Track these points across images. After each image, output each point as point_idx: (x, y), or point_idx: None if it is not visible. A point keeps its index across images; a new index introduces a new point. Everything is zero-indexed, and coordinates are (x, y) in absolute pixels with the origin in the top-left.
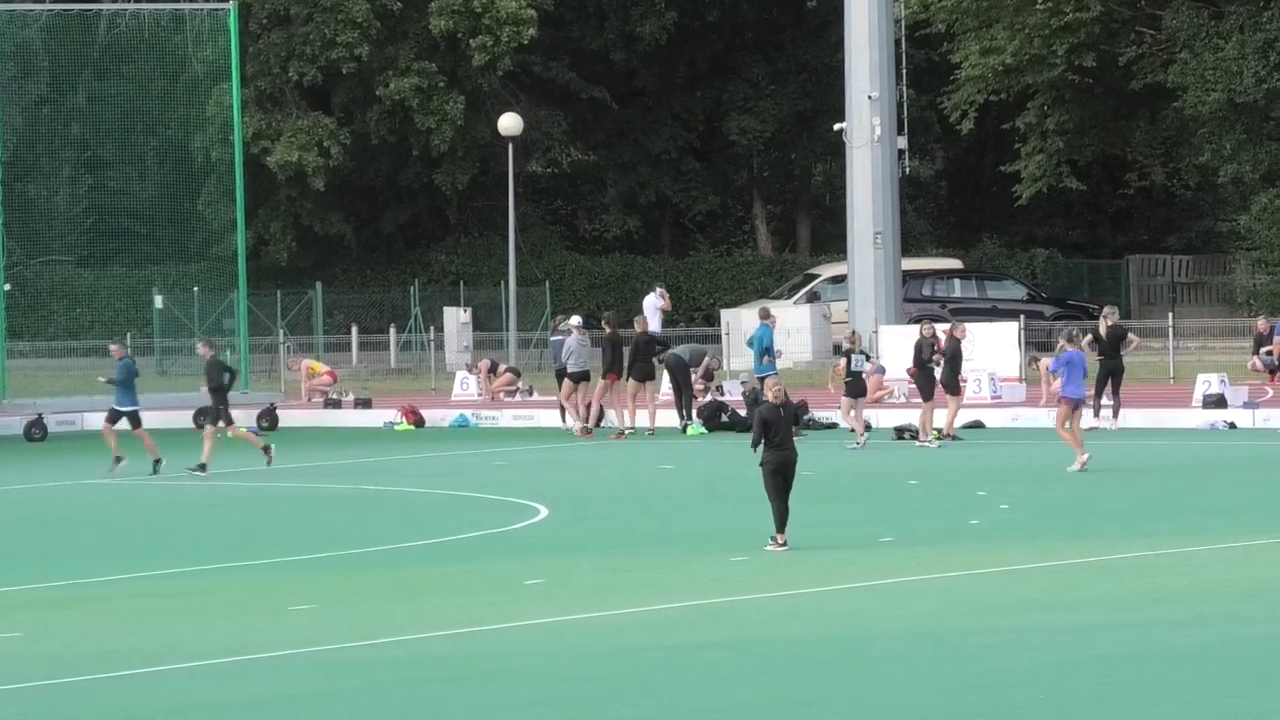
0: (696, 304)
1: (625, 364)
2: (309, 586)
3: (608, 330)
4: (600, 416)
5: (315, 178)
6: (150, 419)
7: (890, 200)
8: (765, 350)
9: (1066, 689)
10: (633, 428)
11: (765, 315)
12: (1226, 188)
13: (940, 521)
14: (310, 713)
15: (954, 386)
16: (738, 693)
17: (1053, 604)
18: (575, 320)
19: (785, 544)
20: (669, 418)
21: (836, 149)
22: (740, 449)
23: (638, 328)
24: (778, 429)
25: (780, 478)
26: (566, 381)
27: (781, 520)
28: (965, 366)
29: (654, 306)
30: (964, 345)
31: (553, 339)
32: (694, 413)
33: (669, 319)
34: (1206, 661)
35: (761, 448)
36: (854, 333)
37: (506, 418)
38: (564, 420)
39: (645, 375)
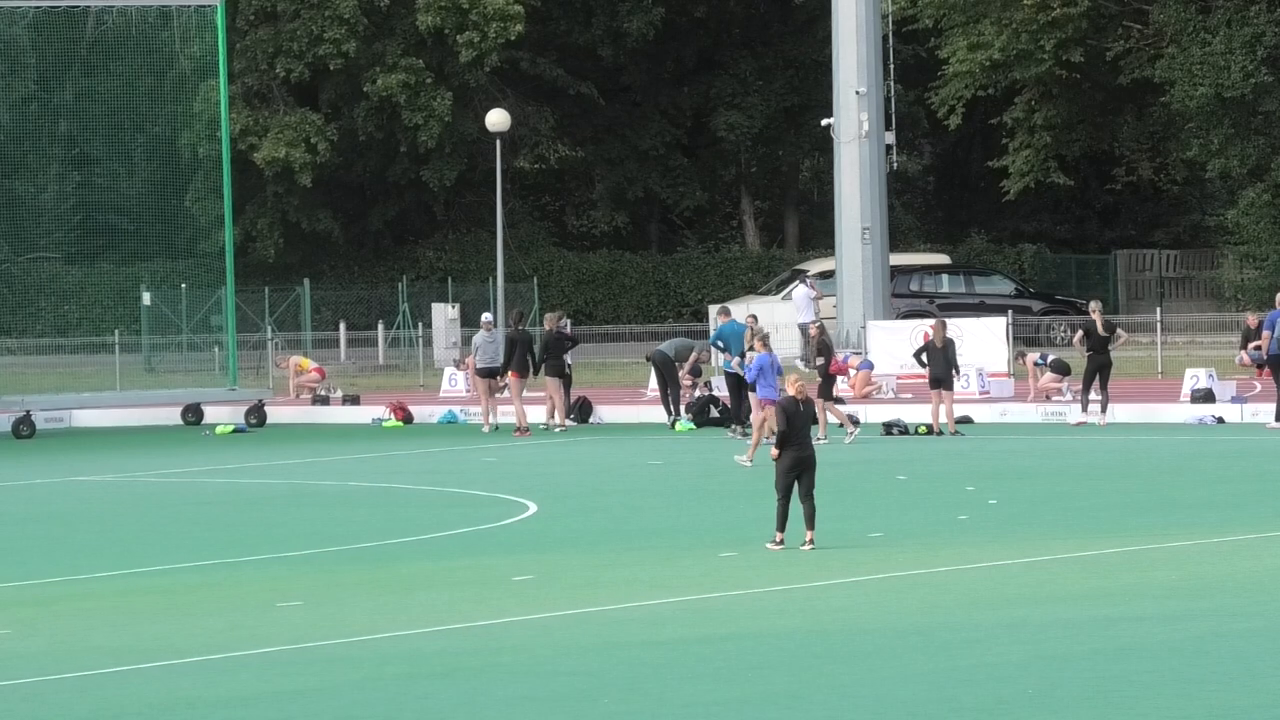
0: (684, 300)
1: (533, 361)
2: (297, 583)
3: (510, 328)
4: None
5: (302, 174)
6: (138, 416)
7: (878, 196)
8: (725, 349)
9: (1055, 683)
10: (547, 425)
11: (724, 314)
12: (1214, 182)
13: (928, 517)
14: (299, 709)
15: (948, 381)
16: (726, 688)
17: (1041, 599)
18: (486, 317)
19: (783, 543)
20: (644, 414)
21: (824, 144)
22: (731, 443)
23: (547, 325)
24: (797, 425)
25: (794, 476)
26: (478, 379)
27: (784, 519)
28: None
29: (806, 298)
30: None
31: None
32: (682, 408)
33: (663, 315)
34: (1196, 656)
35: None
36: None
37: (497, 414)
38: (486, 420)
39: (554, 372)
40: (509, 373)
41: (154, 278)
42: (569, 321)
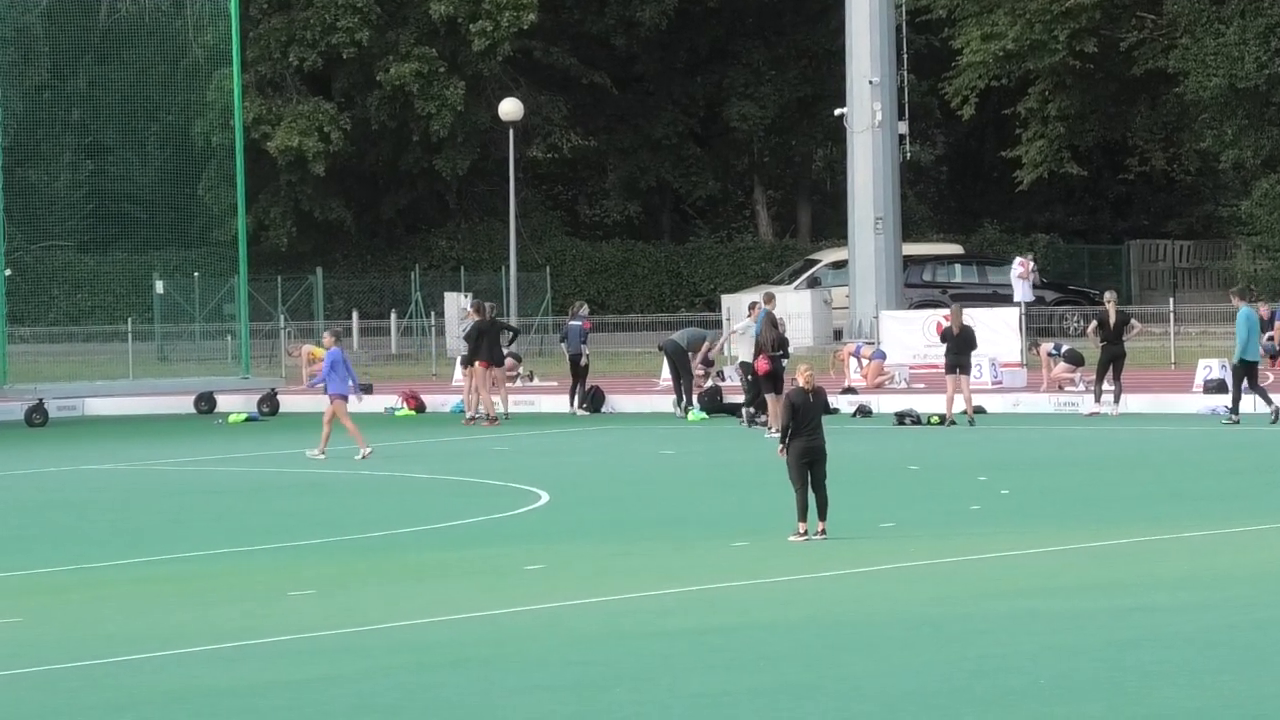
0: (697, 290)
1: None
2: (309, 572)
3: (478, 316)
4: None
5: (315, 163)
6: (151, 404)
7: (891, 185)
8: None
9: (1066, 673)
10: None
11: (768, 300)
12: (1227, 173)
13: (941, 507)
14: (311, 697)
15: (966, 365)
16: (737, 678)
17: (1053, 589)
18: (465, 304)
19: (806, 534)
20: (656, 404)
21: (837, 134)
22: (740, 434)
23: (476, 314)
24: (807, 416)
25: (806, 466)
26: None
27: (804, 509)
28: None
29: (1014, 275)
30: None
31: (570, 323)
32: (694, 398)
33: (675, 305)
34: (1207, 646)
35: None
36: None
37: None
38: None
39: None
40: (476, 362)
41: (167, 266)
42: (586, 309)
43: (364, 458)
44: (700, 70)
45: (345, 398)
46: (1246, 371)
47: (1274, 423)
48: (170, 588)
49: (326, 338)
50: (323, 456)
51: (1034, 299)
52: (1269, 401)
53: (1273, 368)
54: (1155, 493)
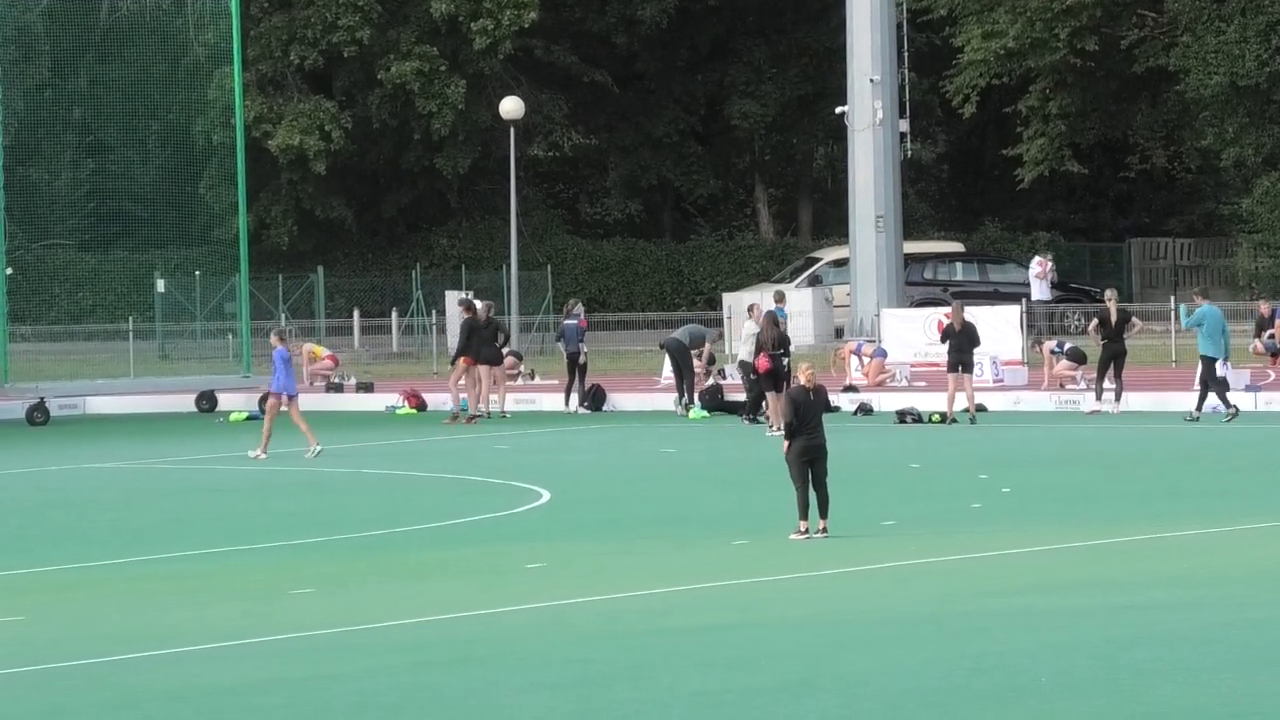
0: (698, 288)
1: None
2: (309, 570)
3: (467, 314)
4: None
5: (316, 161)
6: (152, 403)
7: (892, 184)
8: None
9: (1065, 671)
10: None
11: (779, 299)
12: (1228, 171)
13: (942, 505)
14: (310, 696)
15: (969, 363)
16: (737, 676)
17: (1053, 587)
18: (462, 300)
19: (807, 532)
20: (657, 402)
21: (838, 132)
22: (741, 432)
23: (466, 313)
24: (808, 414)
25: (807, 465)
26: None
27: (804, 507)
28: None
29: (1033, 274)
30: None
31: (565, 322)
32: (696, 396)
33: (676, 303)
34: (1205, 645)
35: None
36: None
37: (508, 402)
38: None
39: (486, 359)
40: (460, 359)
41: (168, 265)
42: (582, 308)
43: (255, 458)
44: (701, 68)
45: (292, 397)
46: (1205, 367)
47: (1191, 422)
48: (170, 586)
49: (273, 338)
50: (318, 449)
51: (1051, 298)
52: (1199, 405)
53: (1273, 365)
54: (1155, 491)
